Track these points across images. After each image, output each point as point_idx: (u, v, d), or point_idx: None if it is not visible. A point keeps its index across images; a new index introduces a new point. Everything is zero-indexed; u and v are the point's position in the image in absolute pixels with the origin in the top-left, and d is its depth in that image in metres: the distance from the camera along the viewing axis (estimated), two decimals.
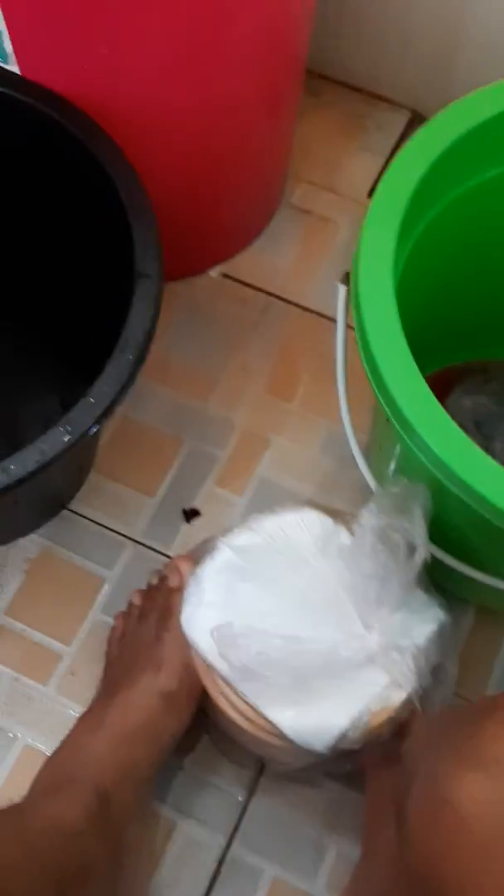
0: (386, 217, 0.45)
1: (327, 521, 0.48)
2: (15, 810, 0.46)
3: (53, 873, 0.43)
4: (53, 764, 0.51)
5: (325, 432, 0.69)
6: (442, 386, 0.68)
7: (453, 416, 0.43)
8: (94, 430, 0.44)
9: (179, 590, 0.51)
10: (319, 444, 0.68)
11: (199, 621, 0.46)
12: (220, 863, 0.56)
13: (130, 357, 0.45)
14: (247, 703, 0.45)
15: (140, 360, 0.46)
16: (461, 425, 0.42)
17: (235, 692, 0.45)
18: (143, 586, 0.60)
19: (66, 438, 0.44)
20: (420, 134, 0.48)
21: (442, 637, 0.47)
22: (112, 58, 0.51)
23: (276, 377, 0.71)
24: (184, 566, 0.54)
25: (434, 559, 0.49)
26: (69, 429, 0.44)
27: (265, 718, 0.44)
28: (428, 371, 0.70)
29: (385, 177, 0.46)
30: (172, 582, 0.54)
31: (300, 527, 0.48)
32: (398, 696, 0.45)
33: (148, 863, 0.54)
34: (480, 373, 0.69)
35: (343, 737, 0.44)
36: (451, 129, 0.48)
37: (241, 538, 0.48)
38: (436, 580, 0.58)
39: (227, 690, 0.46)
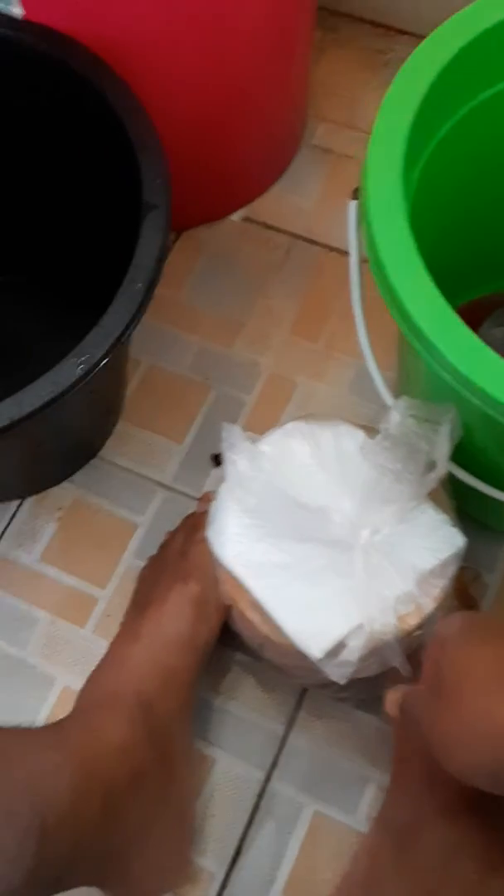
0: (394, 124, 0.44)
1: (359, 434, 0.48)
2: (56, 725, 0.47)
3: (100, 782, 0.44)
4: (93, 682, 0.52)
5: (353, 372, 0.68)
6: (473, 318, 0.67)
7: None
8: (106, 359, 0.44)
9: (207, 513, 0.51)
10: (348, 384, 0.67)
11: (220, 527, 0.47)
12: (260, 797, 0.56)
13: (140, 285, 0.45)
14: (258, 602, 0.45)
15: (150, 288, 0.46)
16: None
17: (250, 594, 0.46)
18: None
19: (79, 369, 0.44)
20: (426, 43, 0.46)
21: (456, 564, 0.46)
22: None
23: (302, 319, 0.70)
24: (213, 495, 0.54)
25: (467, 490, 0.48)
26: (82, 359, 0.44)
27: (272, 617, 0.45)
28: (457, 303, 0.69)
29: (392, 85, 0.45)
30: (200, 509, 0.55)
31: (332, 437, 0.48)
32: (410, 614, 0.45)
33: (195, 775, 0.55)
34: None
35: (341, 645, 0.44)
36: (457, 38, 0.46)
37: (270, 443, 0.49)
38: (472, 514, 0.57)
39: (244, 594, 0.47)
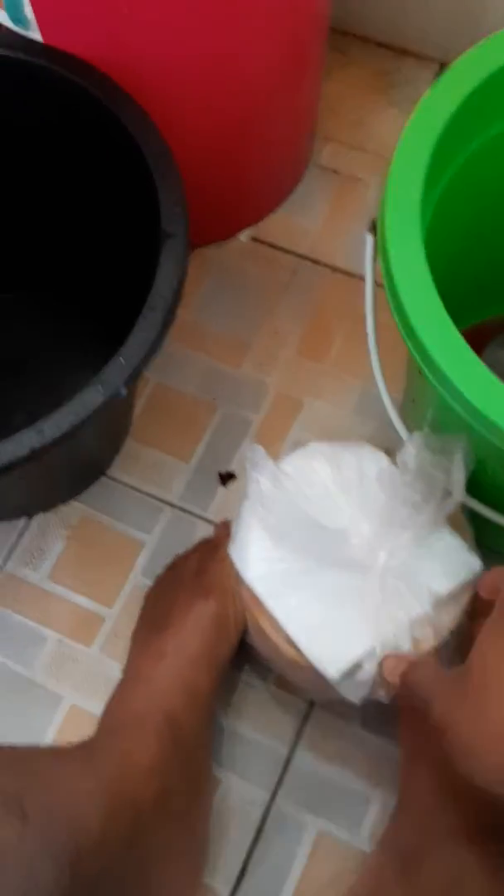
0: (412, 160, 0.44)
1: (382, 458, 0.49)
2: (87, 747, 0.47)
3: (129, 805, 0.44)
4: (118, 701, 0.52)
5: (358, 393, 0.68)
6: (478, 339, 0.68)
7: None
8: (125, 389, 0.45)
9: (225, 536, 0.52)
10: (353, 405, 0.68)
11: (243, 546, 0.48)
12: (265, 817, 0.56)
13: (159, 315, 0.46)
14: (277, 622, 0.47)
15: (168, 318, 0.46)
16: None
17: (270, 613, 0.47)
18: (181, 550, 0.61)
19: (99, 399, 0.44)
20: (445, 76, 0.47)
21: (472, 589, 0.47)
22: (132, 17, 0.51)
23: (309, 339, 0.70)
24: (231, 524, 0.55)
25: (481, 521, 0.49)
26: (100, 389, 0.44)
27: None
28: (464, 325, 0.70)
29: (411, 120, 0.46)
30: (218, 534, 0.56)
31: (354, 459, 0.49)
32: (426, 638, 0.45)
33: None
34: None
35: (357, 667, 0.45)
36: (477, 70, 0.47)
37: (291, 463, 0.50)
38: (490, 546, 0.58)
39: (264, 612, 0.48)
